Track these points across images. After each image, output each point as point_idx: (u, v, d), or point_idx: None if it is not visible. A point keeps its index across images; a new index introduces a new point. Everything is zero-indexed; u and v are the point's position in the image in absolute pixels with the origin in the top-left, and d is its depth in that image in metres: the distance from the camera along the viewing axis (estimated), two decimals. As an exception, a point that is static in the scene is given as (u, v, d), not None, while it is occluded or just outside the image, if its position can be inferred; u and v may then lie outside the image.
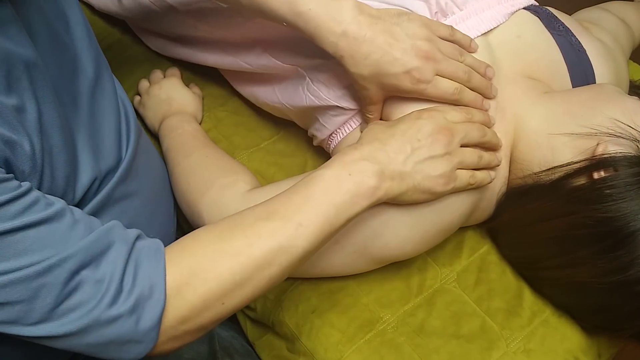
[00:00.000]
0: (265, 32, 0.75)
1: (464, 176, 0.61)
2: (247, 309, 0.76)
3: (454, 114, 0.62)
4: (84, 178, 0.55)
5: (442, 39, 0.63)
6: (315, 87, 0.71)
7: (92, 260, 0.47)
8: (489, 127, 0.65)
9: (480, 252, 0.75)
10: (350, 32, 0.60)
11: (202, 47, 0.87)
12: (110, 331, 0.47)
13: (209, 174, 0.71)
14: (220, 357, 0.73)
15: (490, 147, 0.65)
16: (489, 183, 0.65)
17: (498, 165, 0.66)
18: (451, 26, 0.65)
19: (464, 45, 0.65)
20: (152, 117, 0.84)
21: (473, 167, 0.62)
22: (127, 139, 0.64)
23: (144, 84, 0.89)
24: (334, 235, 0.57)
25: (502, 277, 0.73)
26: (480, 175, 0.63)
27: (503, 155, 0.68)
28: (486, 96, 0.65)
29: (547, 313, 0.71)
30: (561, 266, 0.66)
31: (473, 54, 0.66)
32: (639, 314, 0.63)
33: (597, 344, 0.71)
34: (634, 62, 1.06)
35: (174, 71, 0.91)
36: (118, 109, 0.64)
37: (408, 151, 0.58)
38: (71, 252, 0.46)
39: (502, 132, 0.67)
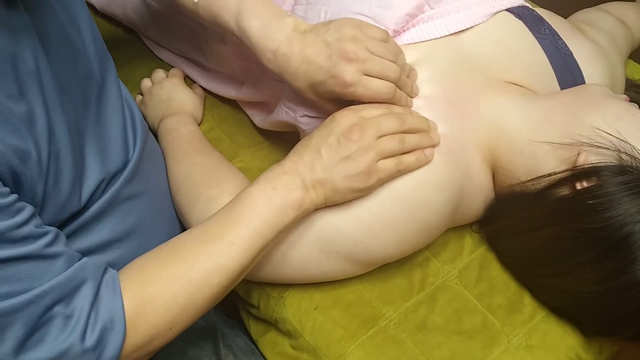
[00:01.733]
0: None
1: (389, 165, 0.60)
2: (249, 306, 0.77)
3: (369, 111, 0.62)
4: (91, 180, 0.57)
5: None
6: (287, 100, 0.71)
7: (65, 296, 0.49)
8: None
9: (482, 249, 0.76)
10: (281, 49, 0.62)
11: (209, 74, 0.90)
12: None
13: (196, 186, 0.71)
14: (223, 355, 0.74)
15: (416, 132, 0.63)
16: (428, 163, 0.62)
17: (434, 144, 0.63)
18: (385, 30, 0.64)
19: (395, 52, 0.63)
20: (152, 116, 0.85)
21: (399, 153, 0.61)
22: (133, 141, 0.65)
23: (146, 83, 0.90)
24: (268, 247, 0.59)
25: (503, 274, 0.74)
26: (409, 157, 0.61)
27: (476, 152, 0.67)
28: (409, 96, 0.65)
29: (548, 309, 0.71)
30: (552, 275, 0.67)
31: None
32: (633, 319, 0.63)
33: (598, 340, 0.71)
34: (634, 61, 1.07)
35: (177, 71, 0.92)
36: (123, 110, 0.65)
37: (321, 157, 0.60)
38: (48, 287, 0.47)
39: (466, 127, 0.67)
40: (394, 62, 0.62)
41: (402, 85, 0.63)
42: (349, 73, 0.59)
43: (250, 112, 0.88)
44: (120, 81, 0.67)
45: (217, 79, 0.89)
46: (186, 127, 0.81)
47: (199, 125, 0.86)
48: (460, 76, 0.68)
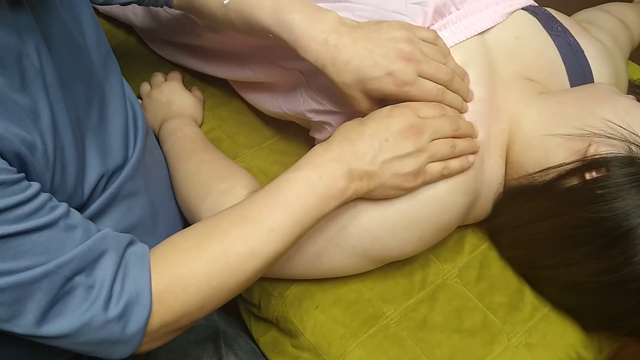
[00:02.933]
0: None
1: (435, 169, 0.61)
2: (250, 305, 0.77)
3: (426, 110, 0.62)
4: (91, 176, 0.57)
5: (425, 42, 0.63)
6: (312, 91, 0.71)
7: (86, 267, 0.49)
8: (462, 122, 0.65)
9: (482, 248, 0.76)
10: (330, 40, 0.61)
11: (208, 57, 0.88)
12: (99, 334, 0.49)
13: (207, 180, 0.71)
14: (225, 354, 0.74)
15: (465, 137, 0.64)
16: (469, 167, 0.64)
17: (476, 151, 0.65)
18: (434, 31, 0.65)
19: (445, 54, 0.65)
20: (152, 119, 0.85)
21: (447, 158, 0.62)
22: (134, 138, 0.65)
23: (145, 87, 0.90)
24: (304, 235, 0.59)
25: (503, 272, 0.74)
26: (455, 163, 0.62)
27: (498, 154, 0.69)
28: (465, 100, 0.65)
29: (548, 308, 0.71)
30: (557, 266, 0.67)
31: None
32: (634, 312, 0.63)
33: (598, 338, 0.71)
34: (633, 62, 1.07)
35: (175, 75, 0.92)
36: (126, 109, 0.65)
37: (376, 150, 0.59)
38: (67, 258, 0.47)
39: (497, 131, 0.68)
40: (444, 64, 0.63)
41: (457, 89, 0.64)
42: (407, 73, 0.60)
43: (251, 96, 0.87)
44: (124, 79, 0.68)
45: (216, 61, 0.88)
46: (189, 128, 0.81)
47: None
48: (493, 76, 0.69)
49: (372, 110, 0.64)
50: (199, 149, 0.77)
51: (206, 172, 0.72)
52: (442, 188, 0.63)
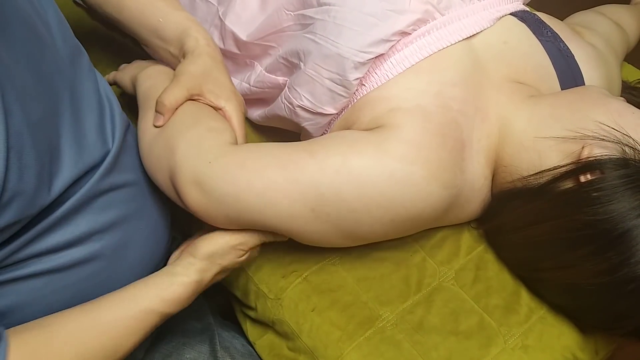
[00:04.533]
0: (265, 50, 0.77)
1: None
2: (247, 308, 0.77)
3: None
4: (66, 172, 0.56)
5: None
6: (290, 95, 0.71)
7: None
8: None
9: (478, 250, 0.76)
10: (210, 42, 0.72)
11: None
12: None
13: (199, 112, 0.68)
14: (221, 357, 0.74)
15: None
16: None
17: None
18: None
19: None
20: (126, 77, 0.81)
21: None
22: (112, 133, 0.64)
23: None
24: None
25: (499, 274, 0.74)
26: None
27: (483, 156, 0.69)
28: None
29: (545, 310, 0.72)
30: (553, 268, 0.67)
31: None
32: (631, 313, 0.63)
33: (594, 340, 0.72)
34: (629, 64, 1.07)
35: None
36: (101, 103, 0.64)
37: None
38: None
39: (483, 134, 0.68)
40: None
41: None
42: None
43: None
44: (97, 73, 0.67)
45: None
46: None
47: None
48: (480, 81, 0.69)
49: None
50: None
51: (200, 107, 0.70)
52: (421, 175, 0.62)
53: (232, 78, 0.82)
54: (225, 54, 0.81)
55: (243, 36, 0.78)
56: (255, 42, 0.76)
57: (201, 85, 0.69)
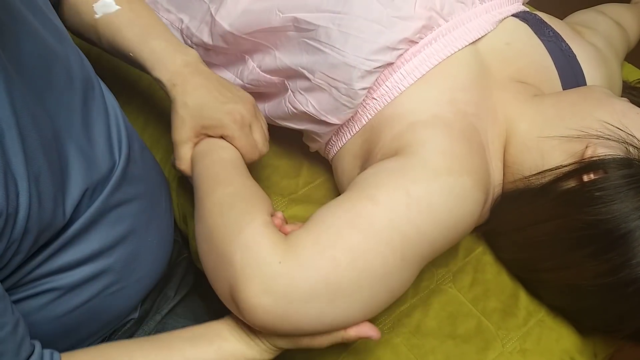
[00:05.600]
0: (256, 46, 0.76)
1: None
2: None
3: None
4: (75, 191, 0.55)
5: None
6: (295, 99, 0.71)
7: None
8: None
9: (476, 252, 0.76)
10: (186, 69, 0.69)
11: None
12: None
13: (250, 207, 0.59)
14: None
15: None
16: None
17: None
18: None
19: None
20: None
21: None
22: (119, 146, 0.64)
23: None
24: None
25: (497, 277, 0.74)
26: None
27: (498, 158, 0.69)
28: None
29: (543, 313, 0.71)
30: (554, 269, 0.67)
31: None
32: (632, 315, 0.63)
33: (593, 343, 0.71)
34: (629, 63, 1.07)
35: None
36: (108, 116, 0.64)
37: None
38: None
39: (495, 135, 0.68)
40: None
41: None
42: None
43: None
44: (104, 86, 0.67)
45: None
46: (225, 151, 0.68)
47: None
48: (487, 82, 0.69)
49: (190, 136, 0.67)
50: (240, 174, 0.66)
51: (251, 198, 0.62)
52: (469, 183, 0.60)
53: (225, 72, 0.82)
54: (216, 49, 0.80)
55: (226, 26, 0.75)
56: (243, 36, 0.75)
57: (198, 128, 0.67)
